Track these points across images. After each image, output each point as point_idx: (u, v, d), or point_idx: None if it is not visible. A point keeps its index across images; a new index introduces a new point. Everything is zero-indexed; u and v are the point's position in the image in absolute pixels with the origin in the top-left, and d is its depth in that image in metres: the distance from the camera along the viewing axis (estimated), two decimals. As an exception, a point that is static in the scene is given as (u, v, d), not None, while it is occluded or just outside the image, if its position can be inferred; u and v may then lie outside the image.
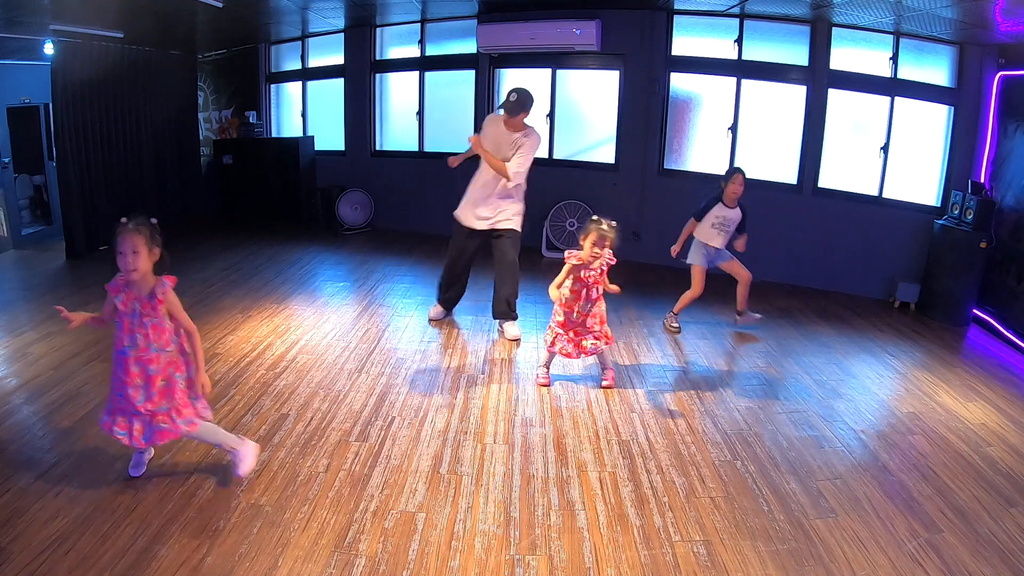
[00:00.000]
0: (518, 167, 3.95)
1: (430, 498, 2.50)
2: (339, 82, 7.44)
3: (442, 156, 7.15)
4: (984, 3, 3.78)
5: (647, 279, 5.78)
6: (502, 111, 3.93)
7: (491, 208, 4.08)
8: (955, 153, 5.15)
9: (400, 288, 5.25)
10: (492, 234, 4.14)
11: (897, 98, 5.29)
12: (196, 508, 2.38)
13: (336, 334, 4.19)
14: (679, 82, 6.11)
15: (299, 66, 7.80)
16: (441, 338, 4.20)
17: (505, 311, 4.21)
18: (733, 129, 5.92)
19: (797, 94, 5.61)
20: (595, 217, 3.36)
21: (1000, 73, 4.83)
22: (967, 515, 2.51)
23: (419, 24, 6.96)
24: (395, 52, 7.26)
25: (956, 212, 4.90)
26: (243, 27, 6.82)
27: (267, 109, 8.09)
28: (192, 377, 2.47)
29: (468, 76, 6.80)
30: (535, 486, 2.60)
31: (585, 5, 5.92)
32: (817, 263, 5.71)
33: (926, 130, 5.31)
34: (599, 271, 3.39)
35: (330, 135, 7.66)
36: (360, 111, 7.40)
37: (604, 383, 3.55)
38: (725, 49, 5.80)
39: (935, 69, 5.16)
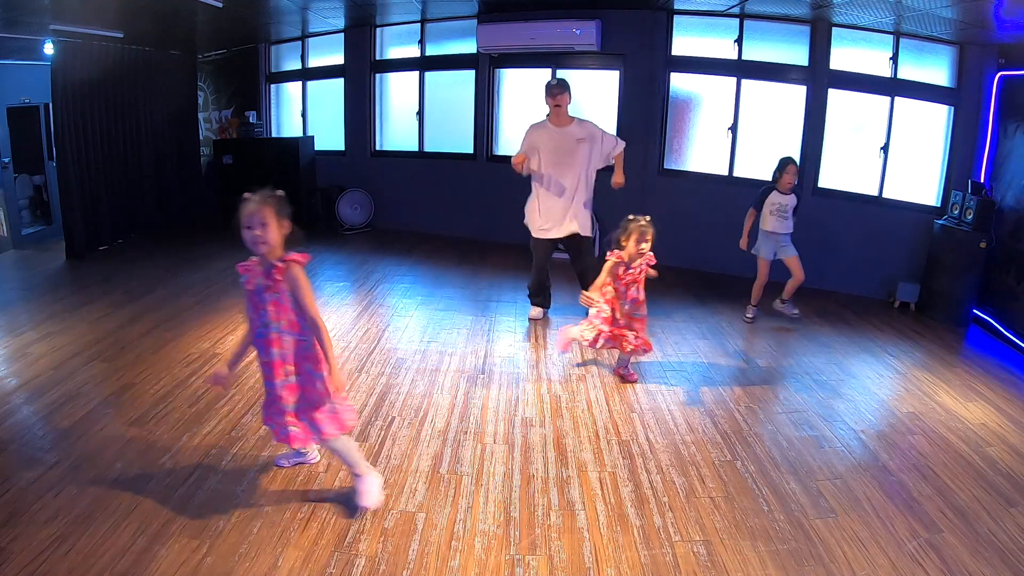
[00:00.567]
0: (614, 142, 4.19)
1: (430, 498, 2.50)
2: (339, 82, 7.45)
3: (442, 156, 7.26)
4: (984, 3, 3.78)
5: (647, 279, 5.77)
6: (548, 99, 4.05)
7: (572, 214, 4.17)
8: (955, 153, 5.14)
9: (400, 288, 5.25)
10: (571, 239, 4.26)
11: (897, 98, 5.29)
12: (196, 508, 2.38)
13: (336, 334, 4.19)
14: (679, 82, 6.12)
15: (299, 66, 7.80)
16: (441, 338, 4.20)
17: None
18: (733, 129, 5.92)
19: (797, 94, 5.61)
20: (631, 216, 3.43)
21: (1000, 73, 4.83)
22: (967, 515, 2.50)
23: (419, 24, 6.96)
24: (395, 52, 7.26)
25: (956, 212, 4.90)
26: (243, 27, 6.82)
27: (267, 109, 8.09)
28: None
29: (468, 76, 6.81)
30: (535, 486, 2.60)
31: (585, 5, 5.92)
32: (817, 263, 5.70)
33: (926, 130, 5.31)
34: (639, 270, 3.44)
35: (330, 135, 7.66)
36: (360, 111, 7.40)
37: (629, 378, 3.61)
38: (725, 49, 5.80)
39: (935, 69, 5.16)
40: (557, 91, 4.05)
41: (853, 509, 2.52)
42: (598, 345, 3.53)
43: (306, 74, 7.78)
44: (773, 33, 5.63)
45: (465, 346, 4.07)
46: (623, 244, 3.41)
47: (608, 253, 3.46)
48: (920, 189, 5.38)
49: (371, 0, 5.99)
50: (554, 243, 4.33)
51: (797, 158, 5.68)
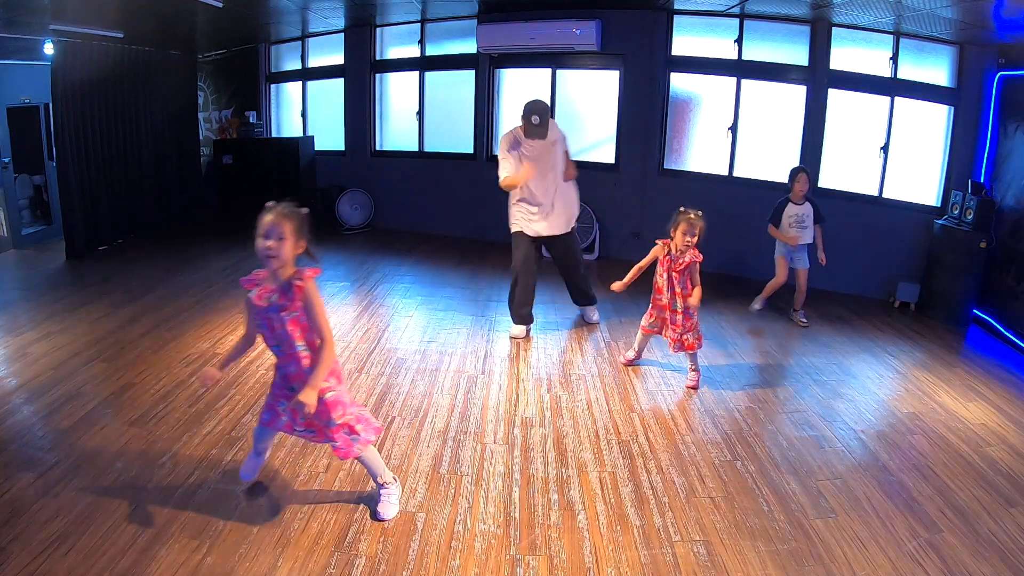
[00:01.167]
0: (570, 155, 4.23)
1: (430, 498, 2.50)
2: (339, 82, 7.45)
3: (442, 156, 7.26)
4: (984, 3, 3.78)
5: (648, 279, 5.76)
6: (531, 136, 3.95)
7: (558, 209, 4.16)
8: (955, 153, 5.14)
9: (400, 288, 5.25)
10: (556, 240, 4.24)
11: (897, 98, 5.29)
12: (196, 508, 2.38)
13: (336, 334, 4.19)
14: (679, 82, 6.12)
15: (299, 66, 7.80)
16: (441, 338, 4.20)
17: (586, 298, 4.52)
18: (733, 129, 5.92)
19: (797, 94, 5.61)
20: (682, 208, 3.46)
21: (1000, 73, 4.83)
22: (967, 515, 2.50)
23: (419, 24, 6.96)
24: (395, 52, 7.26)
25: (956, 212, 4.90)
26: (243, 27, 6.83)
27: (267, 109, 8.09)
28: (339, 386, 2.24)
29: (468, 76, 6.81)
30: (535, 486, 2.60)
31: (585, 5, 5.92)
32: (817, 263, 5.70)
33: (926, 130, 5.30)
34: (683, 263, 3.46)
35: (330, 135, 7.66)
36: (360, 111, 7.40)
37: (688, 383, 3.60)
38: (725, 49, 5.80)
39: (935, 69, 5.16)
40: (532, 131, 3.90)
41: (853, 509, 2.52)
42: (650, 327, 3.65)
43: (306, 74, 7.78)
44: (773, 33, 5.63)
45: (465, 346, 4.07)
46: (672, 234, 3.46)
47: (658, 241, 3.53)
48: (920, 189, 5.38)
49: (371, 0, 5.99)
50: (538, 244, 4.25)
51: (797, 158, 5.69)
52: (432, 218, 7.31)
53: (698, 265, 3.50)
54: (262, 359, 3.75)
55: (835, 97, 5.50)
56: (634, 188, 6.34)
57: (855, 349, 4.30)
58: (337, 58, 7.43)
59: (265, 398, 2.35)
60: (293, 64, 7.86)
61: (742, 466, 2.80)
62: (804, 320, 4.75)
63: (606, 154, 6.52)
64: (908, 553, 2.27)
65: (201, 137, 8.09)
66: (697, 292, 3.48)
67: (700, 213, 3.44)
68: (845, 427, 3.20)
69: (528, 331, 4.29)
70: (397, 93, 7.37)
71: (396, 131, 7.49)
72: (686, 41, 5.96)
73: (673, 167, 6.30)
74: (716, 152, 6.05)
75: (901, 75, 5.24)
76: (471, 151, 6.99)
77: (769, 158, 5.85)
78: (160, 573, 2.04)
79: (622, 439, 3.00)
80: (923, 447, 3.04)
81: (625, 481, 2.66)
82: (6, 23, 5.09)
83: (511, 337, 4.22)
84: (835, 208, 5.59)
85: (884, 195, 5.46)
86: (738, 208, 5.64)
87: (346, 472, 2.64)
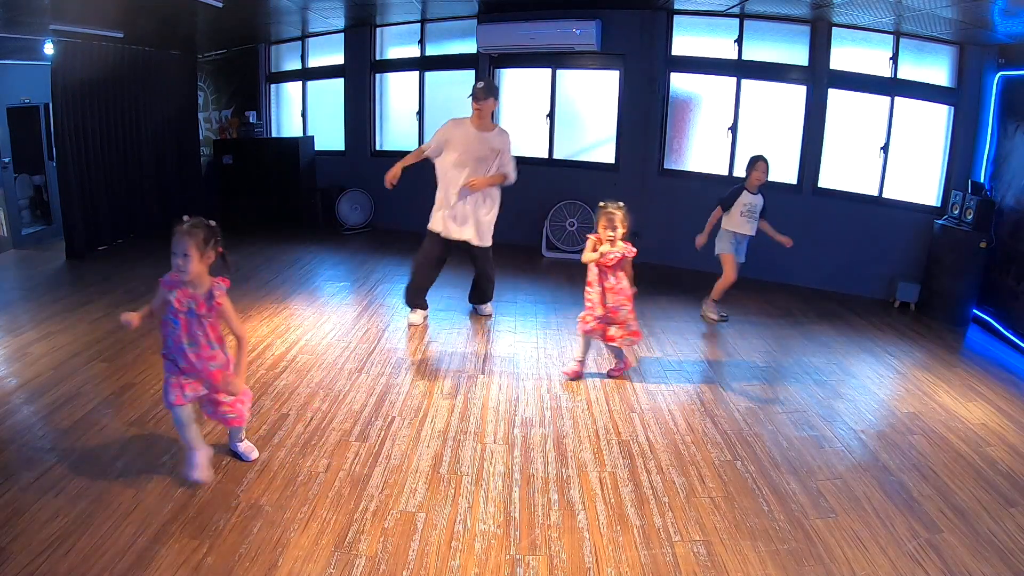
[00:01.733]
0: (511, 167, 4.05)
1: (430, 498, 2.50)
2: (339, 82, 7.45)
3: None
4: (984, 3, 3.78)
5: (647, 279, 5.77)
6: (472, 102, 3.93)
7: (473, 220, 4.09)
8: (955, 153, 5.15)
9: (400, 288, 5.22)
10: (468, 247, 4.17)
11: (897, 98, 5.29)
12: (196, 508, 2.37)
13: (336, 334, 4.19)
14: (679, 82, 6.12)
15: (299, 66, 7.80)
16: (441, 338, 4.20)
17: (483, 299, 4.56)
18: (733, 129, 5.92)
19: (797, 94, 5.61)
20: (601, 203, 3.44)
21: (1000, 73, 4.83)
22: (967, 515, 2.51)
23: (419, 24, 6.96)
24: (395, 52, 7.26)
25: (956, 212, 4.90)
26: (243, 27, 6.83)
27: (267, 109, 8.09)
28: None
29: (468, 76, 6.79)
30: (535, 486, 2.60)
31: (585, 5, 5.92)
32: (817, 263, 5.71)
33: (926, 130, 5.31)
34: (614, 258, 3.41)
35: (330, 135, 7.66)
36: (360, 111, 7.40)
37: (611, 371, 3.61)
38: (725, 49, 5.80)
39: (935, 69, 5.16)
40: (482, 96, 3.89)
41: (853, 509, 2.52)
42: (587, 327, 3.51)
43: (306, 74, 7.79)
44: (773, 33, 5.63)
45: (465, 346, 4.07)
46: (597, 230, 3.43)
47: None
48: (920, 189, 5.39)
49: (371, 0, 5.99)
50: (447, 245, 4.17)
51: (797, 158, 5.70)
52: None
53: (630, 259, 3.46)
54: (262, 359, 3.75)
55: (835, 97, 5.51)
56: (634, 188, 6.34)
57: (855, 349, 4.30)
58: (337, 58, 7.43)
59: (165, 387, 2.44)
60: (293, 64, 7.86)
61: (742, 466, 2.80)
62: (724, 314, 4.60)
63: (606, 154, 6.52)
64: (908, 553, 2.27)
65: (201, 137, 8.09)
66: (627, 284, 3.47)
67: (622, 205, 3.38)
68: (845, 427, 3.20)
69: (424, 317, 4.44)
70: (397, 93, 7.37)
71: (396, 131, 7.49)
72: (686, 41, 5.97)
73: (673, 167, 6.30)
74: (716, 152, 6.05)
75: (901, 75, 5.25)
76: (471, 151, 6.98)
77: (769, 158, 5.84)
78: (160, 573, 2.04)
79: (622, 439, 3.00)
80: (923, 447, 3.04)
81: (625, 481, 2.66)
82: (6, 23, 5.09)
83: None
84: (835, 208, 5.61)
85: (884, 195, 5.47)
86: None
87: (346, 472, 2.65)
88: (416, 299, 4.36)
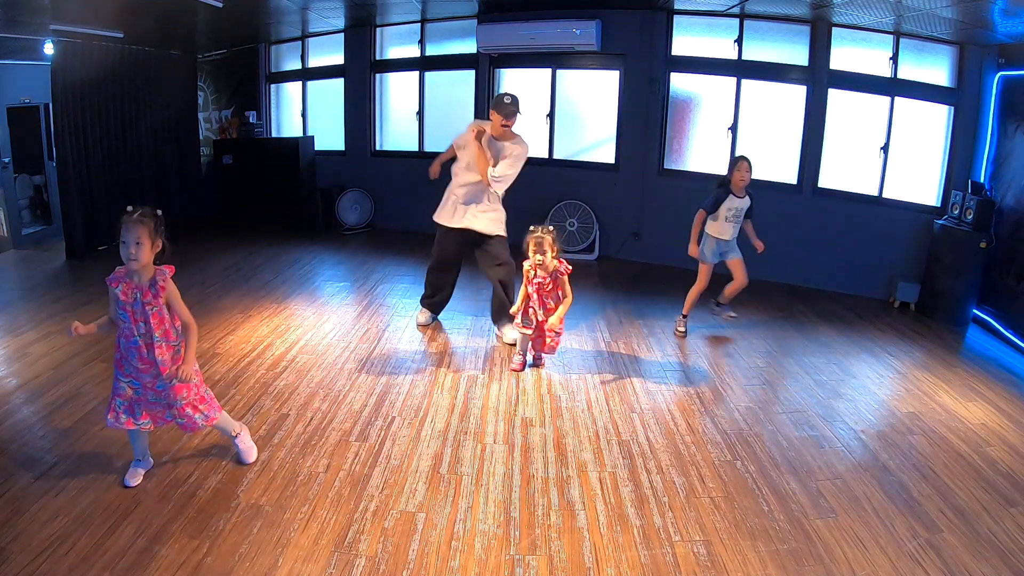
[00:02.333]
0: (504, 171, 3.83)
1: (430, 498, 2.50)
2: (339, 82, 7.45)
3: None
4: (984, 3, 3.78)
5: (647, 279, 5.78)
6: (499, 116, 3.76)
7: (472, 211, 4.04)
8: (955, 153, 5.14)
9: (400, 288, 5.25)
10: (477, 239, 4.09)
11: (897, 98, 5.29)
12: (196, 508, 2.38)
13: (336, 334, 4.19)
14: (679, 82, 6.12)
15: (299, 66, 7.80)
16: (441, 338, 4.20)
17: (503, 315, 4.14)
18: (733, 129, 5.92)
19: (797, 94, 5.61)
20: (531, 227, 3.49)
21: (1000, 73, 4.83)
22: (967, 515, 2.51)
23: (419, 24, 6.96)
24: (395, 52, 7.26)
25: (956, 212, 4.90)
26: (243, 27, 6.83)
27: (267, 109, 8.09)
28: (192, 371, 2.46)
29: (468, 76, 6.80)
30: (535, 486, 2.60)
31: (585, 5, 5.92)
32: (817, 263, 5.71)
33: (926, 130, 5.31)
34: (547, 280, 3.51)
35: (330, 135, 7.66)
36: (360, 111, 7.40)
37: (512, 365, 3.71)
38: (725, 49, 5.80)
39: (935, 69, 5.16)
40: (512, 112, 3.75)
41: (853, 509, 2.52)
42: (521, 325, 3.64)
43: (306, 74, 7.78)
44: (773, 33, 5.63)
45: (465, 346, 4.07)
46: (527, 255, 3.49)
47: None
48: (920, 189, 5.38)
49: (371, 0, 5.99)
50: (459, 242, 4.14)
51: (797, 158, 5.70)
52: (432, 218, 7.30)
53: (566, 277, 3.54)
54: (262, 359, 3.75)
55: (835, 97, 5.51)
56: (634, 188, 6.34)
57: (855, 349, 4.30)
58: (337, 58, 7.43)
59: (112, 393, 2.43)
60: (293, 64, 7.85)
61: (742, 466, 2.80)
62: (733, 314, 4.55)
63: (606, 154, 6.52)
64: (908, 553, 2.27)
65: (201, 137, 8.09)
66: (561, 309, 3.53)
67: (551, 229, 3.46)
68: (845, 427, 3.20)
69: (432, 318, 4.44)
70: (397, 93, 7.37)
71: (396, 131, 7.48)
72: (686, 41, 5.96)
73: (673, 167, 6.30)
74: (716, 152, 6.05)
75: (901, 75, 5.25)
76: (471, 151, 6.99)
77: (769, 158, 5.85)
78: (160, 573, 2.04)
79: (622, 439, 3.00)
80: (923, 447, 3.04)
81: (625, 481, 2.66)
82: (6, 23, 5.09)
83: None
84: (835, 208, 5.61)
85: (884, 195, 5.47)
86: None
87: (346, 472, 2.65)
88: (430, 296, 4.42)
